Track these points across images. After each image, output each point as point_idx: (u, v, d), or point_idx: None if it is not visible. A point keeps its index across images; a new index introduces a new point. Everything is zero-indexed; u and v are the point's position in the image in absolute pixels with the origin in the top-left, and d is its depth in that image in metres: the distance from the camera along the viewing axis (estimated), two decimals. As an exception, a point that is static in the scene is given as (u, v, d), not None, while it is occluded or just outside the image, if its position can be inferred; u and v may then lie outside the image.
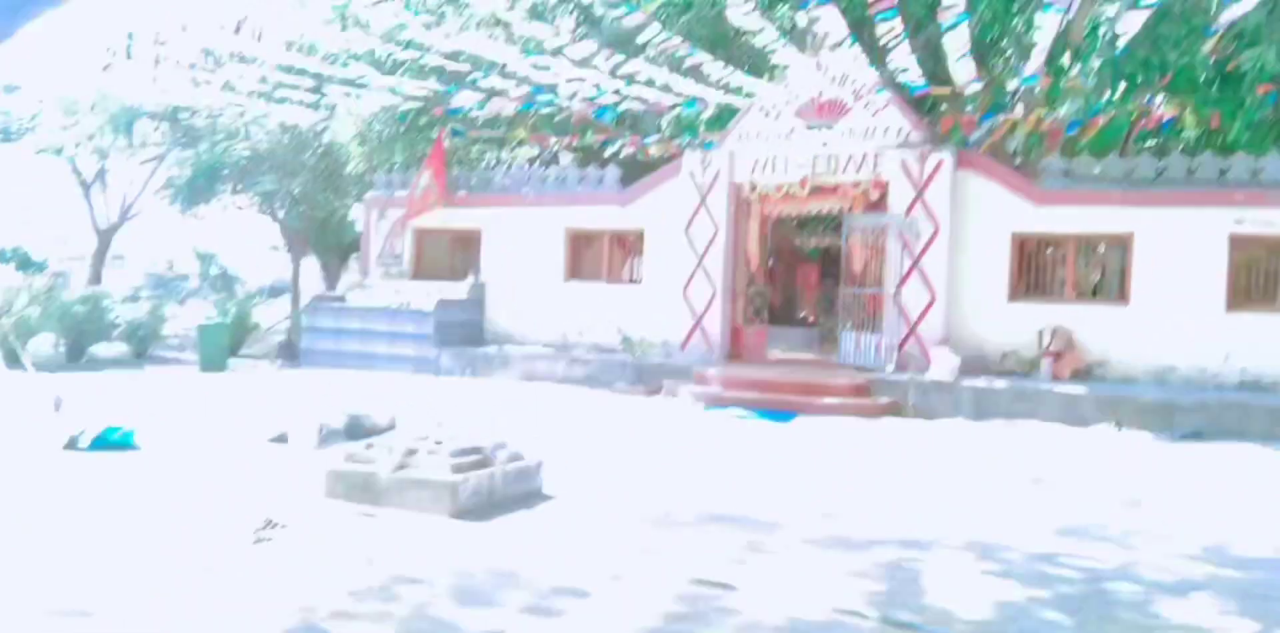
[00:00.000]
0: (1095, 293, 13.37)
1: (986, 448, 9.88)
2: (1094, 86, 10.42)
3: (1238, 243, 12.05)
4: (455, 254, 17.37)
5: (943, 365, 12.34)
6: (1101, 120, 11.77)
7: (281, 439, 8.94)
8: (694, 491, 7.51)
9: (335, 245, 25.13)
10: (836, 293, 21.37)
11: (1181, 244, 12.18)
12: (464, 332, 15.90)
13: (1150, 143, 16.24)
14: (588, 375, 14.22)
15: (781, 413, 11.66)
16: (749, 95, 14.37)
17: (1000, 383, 12.17)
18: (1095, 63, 10.05)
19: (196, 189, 21.47)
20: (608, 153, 18.34)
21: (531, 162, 22.90)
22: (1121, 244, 12.71)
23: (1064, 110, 12.08)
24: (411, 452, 6.64)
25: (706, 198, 14.41)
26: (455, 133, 18.00)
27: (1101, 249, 13.19)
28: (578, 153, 20.80)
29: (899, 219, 13.15)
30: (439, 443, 6.73)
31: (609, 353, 14.84)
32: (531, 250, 16.07)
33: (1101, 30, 9.91)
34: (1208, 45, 9.52)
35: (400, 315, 15.69)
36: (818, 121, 13.92)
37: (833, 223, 21.01)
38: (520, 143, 19.81)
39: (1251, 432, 10.67)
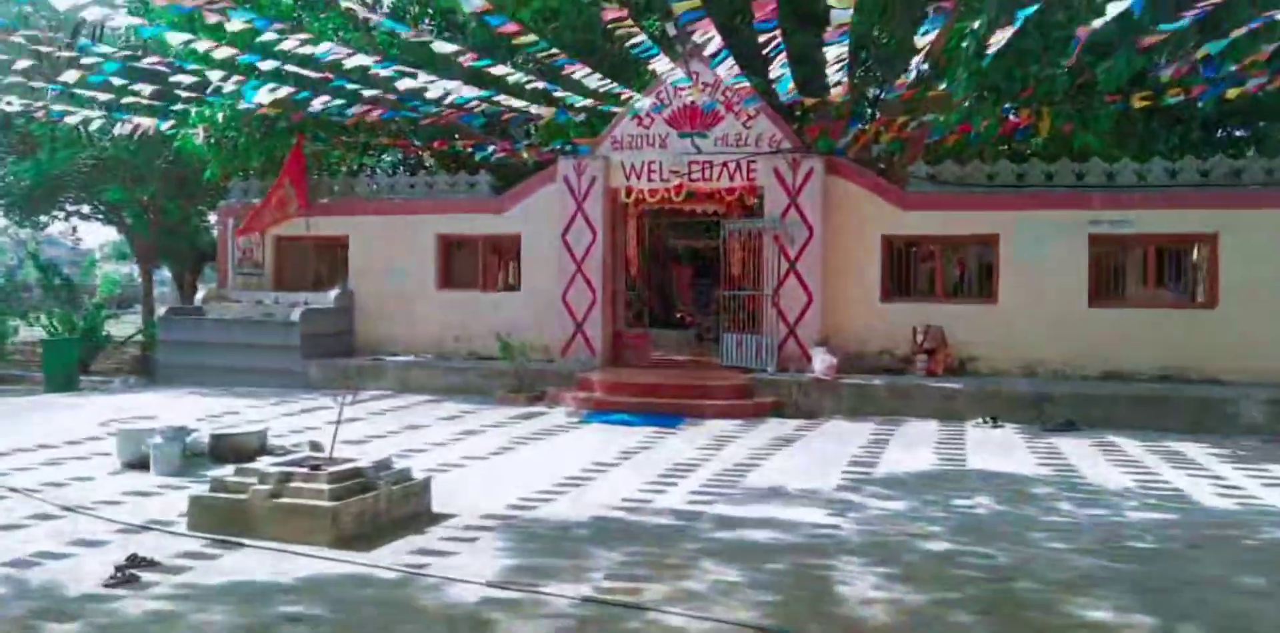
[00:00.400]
0: (958, 291, 13.75)
1: (857, 444, 10.01)
2: (960, 97, 10.70)
3: (1096, 242, 12.64)
4: (320, 263, 16.69)
5: (821, 364, 12.49)
6: (967, 129, 12.12)
7: (139, 465, 8.31)
8: (586, 503, 7.31)
9: (188, 255, 23.90)
10: (712, 294, 21.88)
11: (1044, 244, 12.68)
12: (333, 342, 15.27)
13: (1004, 148, 16.97)
14: (467, 384, 13.84)
15: (667, 417, 11.58)
16: (621, 102, 14.29)
17: (877, 380, 12.42)
18: (962, 74, 10.32)
19: (36, 199, 20.05)
20: (478, 158, 18.05)
21: (396, 168, 22.41)
22: (987, 245, 13.14)
23: (928, 119, 12.38)
24: (286, 477, 6.21)
25: (583, 203, 14.24)
26: (316, 139, 17.32)
27: (968, 250, 13.56)
28: (443, 159, 20.36)
29: (775, 223, 13.27)
30: (315, 466, 6.33)
31: (488, 361, 14.49)
32: (403, 257, 15.57)
33: (966, 43, 10.16)
34: (1068, 59, 9.91)
35: (264, 327, 14.95)
36: (690, 130, 13.94)
37: (703, 225, 21.25)
38: (383, 150, 19.26)
39: (1119, 421, 11.15)
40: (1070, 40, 9.70)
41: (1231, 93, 12.47)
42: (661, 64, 12.15)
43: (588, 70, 12.42)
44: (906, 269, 13.62)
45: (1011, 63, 10.39)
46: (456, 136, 18.24)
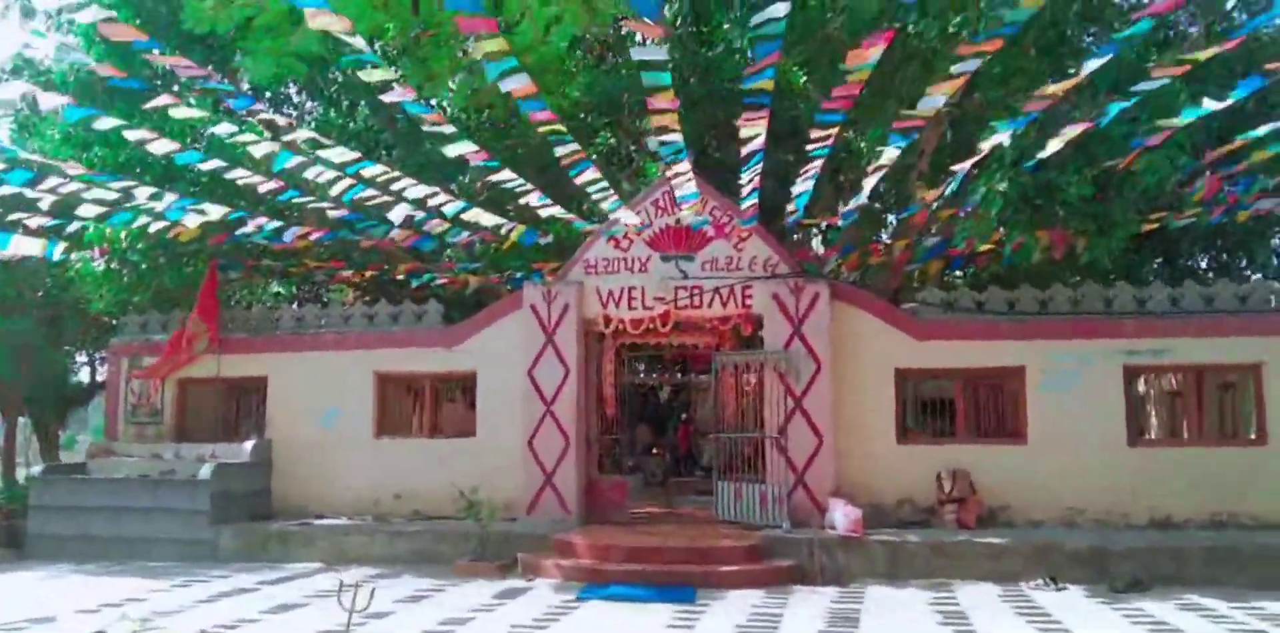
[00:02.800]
0: (981, 431, 12.36)
1: (929, 622, 8.25)
2: (997, 211, 9.64)
3: (1132, 374, 11.54)
4: (232, 408, 14.37)
5: (845, 519, 10.78)
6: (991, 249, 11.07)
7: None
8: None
9: (53, 401, 20.83)
10: (667, 434, 20.14)
11: (1075, 377, 11.52)
12: (249, 504, 12.80)
13: (986, 272, 16.16)
14: (419, 552, 11.55)
15: (676, 589, 9.58)
16: (595, 221, 12.92)
17: (913, 537, 10.73)
18: (998, 185, 9.28)
19: None
20: (413, 286, 16.30)
21: (292, 297, 20.34)
22: (1012, 378, 11.90)
23: (956, 239, 11.29)
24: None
25: (554, 335, 12.53)
26: (229, 266, 15.33)
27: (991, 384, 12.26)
28: (366, 287, 18.51)
29: (779, 355, 11.79)
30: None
31: (440, 522, 12.27)
32: (333, 401, 13.42)
33: (1000, 152, 9.17)
34: (1120, 164, 9.01)
35: (164, 487, 12.41)
36: (675, 252, 12.58)
37: (652, 358, 19.71)
38: (305, 277, 17.31)
39: (1190, 578, 9.74)
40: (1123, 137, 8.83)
41: (1242, 216, 11.97)
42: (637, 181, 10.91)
43: (539, 195, 11.11)
44: (923, 407, 12.23)
45: (1048, 173, 9.40)
46: (386, 264, 16.51)
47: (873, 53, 6.76)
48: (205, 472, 12.30)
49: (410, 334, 13.52)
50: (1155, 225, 11.67)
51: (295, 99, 18.32)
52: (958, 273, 15.92)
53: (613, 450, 13.43)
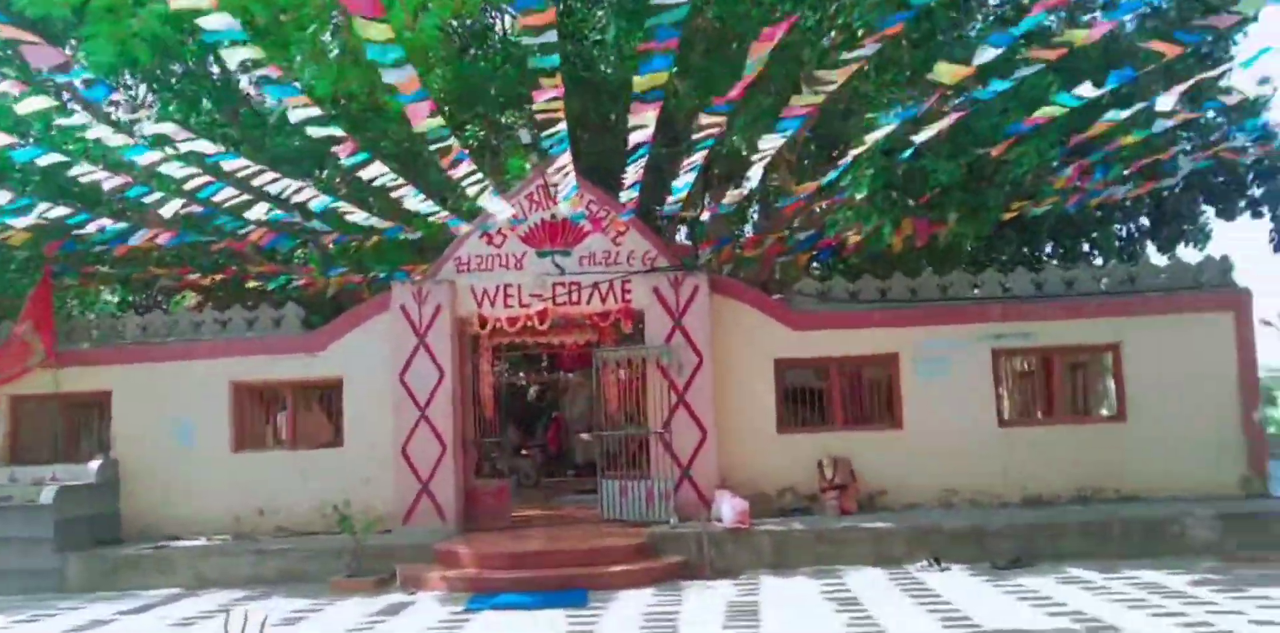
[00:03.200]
0: (858, 418, 12.50)
1: (825, 610, 8.23)
2: (864, 196, 9.72)
3: (1000, 357, 11.89)
4: (72, 426, 13.25)
5: (732, 511, 10.70)
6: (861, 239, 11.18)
7: None
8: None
9: None
10: (535, 433, 19.72)
11: (946, 362, 11.78)
12: (97, 528, 11.80)
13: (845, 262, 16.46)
14: (288, 570, 10.85)
15: (567, 593, 9.28)
16: (464, 219, 12.48)
17: (798, 525, 10.75)
18: (866, 172, 9.36)
19: None
20: (269, 290, 15.48)
21: (156, 307, 19.10)
22: (886, 365, 12.08)
23: (828, 228, 11.36)
24: None
25: (426, 336, 12.02)
26: (62, 272, 14.17)
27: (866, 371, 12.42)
28: (213, 293, 17.49)
29: (660, 349, 11.63)
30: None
31: (308, 538, 11.60)
32: (185, 414, 12.52)
33: (868, 144, 9.23)
34: (989, 149, 9.20)
35: (1, 514, 11.30)
36: (551, 247, 12.27)
37: (523, 359, 19.32)
38: (163, 286, 16.20)
39: (1065, 553, 10.07)
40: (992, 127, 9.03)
41: (1094, 202, 12.50)
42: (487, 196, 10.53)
43: (412, 189, 10.64)
44: (801, 395, 12.28)
45: (910, 164, 9.55)
46: (238, 267, 15.60)
47: (772, 42, 6.62)
48: (46, 496, 11.24)
49: (268, 341, 12.74)
50: (1017, 213, 12.07)
51: (132, 92, 17.10)
52: (824, 264, 16.15)
53: (489, 454, 13.00)
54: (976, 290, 12.05)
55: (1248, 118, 12.87)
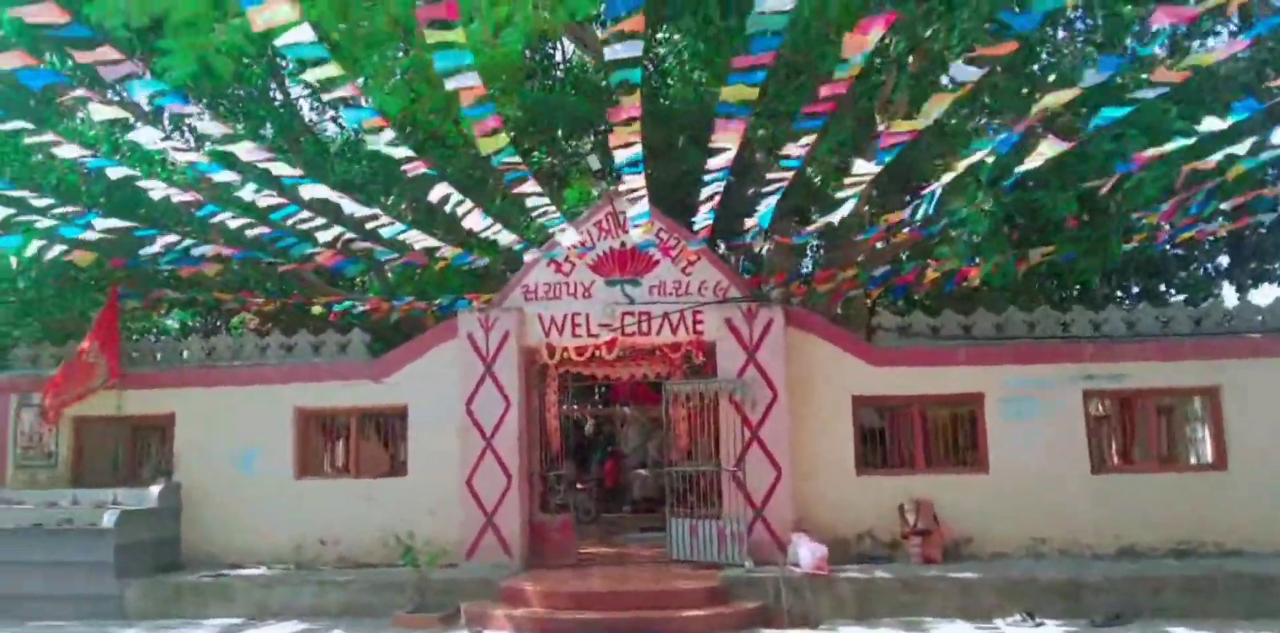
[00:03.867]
0: (940, 460, 11.96)
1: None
2: (982, 232, 9.30)
3: (1092, 399, 11.34)
4: (135, 449, 13.15)
5: (811, 556, 10.24)
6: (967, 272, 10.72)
7: None
8: None
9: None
10: (591, 467, 19.34)
11: (1034, 403, 11.25)
12: (157, 554, 11.62)
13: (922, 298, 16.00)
14: (351, 603, 10.55)
15: (640, 639, 8.90)
16: (531, 245, 12.25)
17: (881, 573, 10.24)
18: (983, 204, 8.94)
19: None
20: (332, 315, 15.35)
21: (217, 332, 19.13)
22: (970, 405, 11.58)
23: (946, 261, 10.92)
24: None
25: (493, 365, 11.76)
26: (128, 294, 14.15)
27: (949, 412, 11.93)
28: (276, 318, 17.46)
29: (733, 383, 11.26)
30: None
31: (370, 570, 11.32)
32: (250, 439, 12.35)
33: (979, 169, 8.85)
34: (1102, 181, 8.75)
35: (60, 538, 11.11)
36: (620, 276, 11.99)
37: (578, 392, 19.01)
38: (226, 310, 16.17)
39: (1166, 609, 9.46)
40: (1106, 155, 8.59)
41: (1184, 237, 11.96)
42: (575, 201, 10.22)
43: (480, 213, 10.41)
44: (881, 435, 11.81)
45: (1031, 192, 9.11)
46: (302, 291, 15.53)
47: (871, 37, 6.24)
48: (108, 520, 11.08)
49: (334, 366, 12.56)
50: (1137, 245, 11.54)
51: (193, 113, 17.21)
52: (895, 300, 15.71)
53: (553, 487, 12.69)
54: (1066, 329, 11.52)
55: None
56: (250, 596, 10.73)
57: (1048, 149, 7.81)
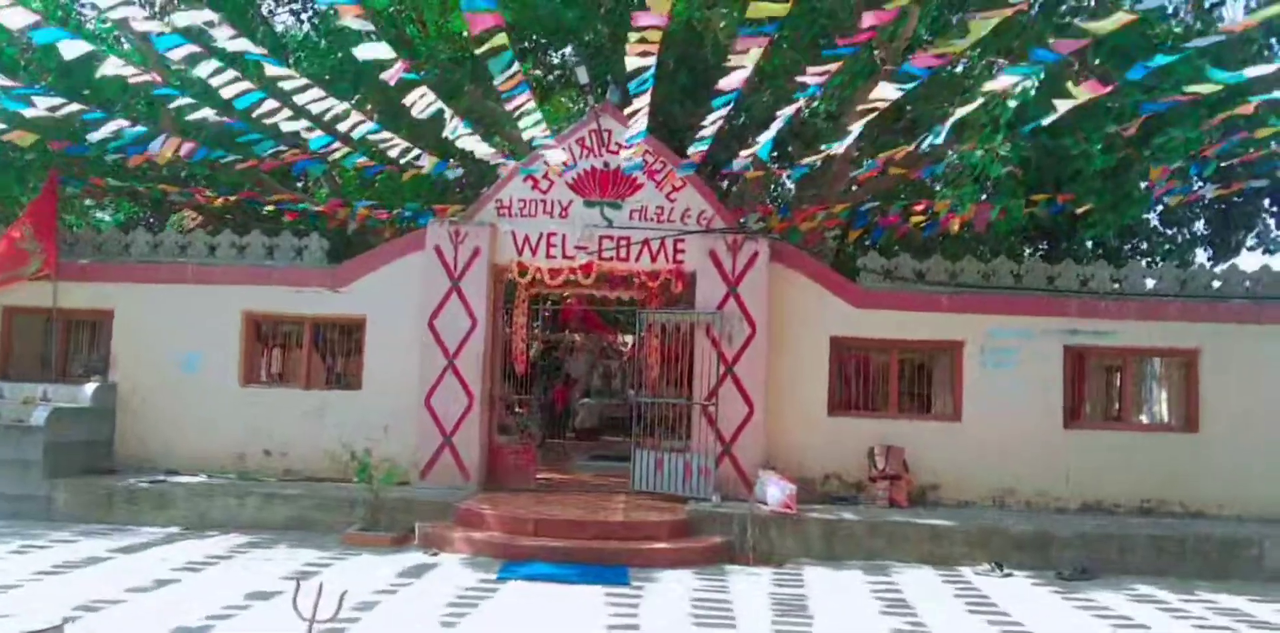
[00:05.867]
0: (913, 407, 11.77)
1: (878, 609, 7.57)
2: (997, 176, 8.89)
3: (1072, 354, 11.19)
4: (68, 344, 12.35)
5: (780, 494, 10.00)
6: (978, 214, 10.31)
7: None
8: None
9: None
10: (556, 395, 18.93)
11: (1015, 355, 11.07)
12: (89, 455, 10.99)
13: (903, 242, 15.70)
14: (297, 518, 10.08)
15: (607, 569, 8.58)
16: (514, 157, 11.61)
17: (849, 515, 10.06)
18: (998, 147, 8.51)
19: None
20: (286, 218, 14.56)
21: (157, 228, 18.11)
22: (950, 353, 11.36)
23: (948, 200, 10.51)
24: None
25: (461, 281, 11.19)
26: (66, 181, 13.18)
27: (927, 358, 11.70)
28: (226, 217, 16.59)
29: (712, 315, 10.86)
30: None
31: (318, 484, 10.83)
32: (193, 341, 11.67)
33: (997, 110, 8.42)
34: (1126, 127, 8.38)
35: (-15, 433, 10.44)
36: (600, 197, 11.42)
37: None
38: (171, 203, 15.20)
39: (1133, 567, 9.43)
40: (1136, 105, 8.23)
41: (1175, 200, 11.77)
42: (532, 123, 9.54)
43: (460, 122, 9.73)
44: (857, 378, 11.55)
45: (1043, 136, 8.71)
46: (257, 190, 14.64)
47: None
48: (38, 417, 10.40)
49: (289, 271, 11.88)
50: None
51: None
52: (878, 241, 15.38)
53: (514, 411, 12.26)
54: (1053, 282, 11.30)
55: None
56: (189, 504, 10.19)
57: (1079, 95, 7.38)
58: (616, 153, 11.23)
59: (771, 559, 9.39)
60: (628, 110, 9.58)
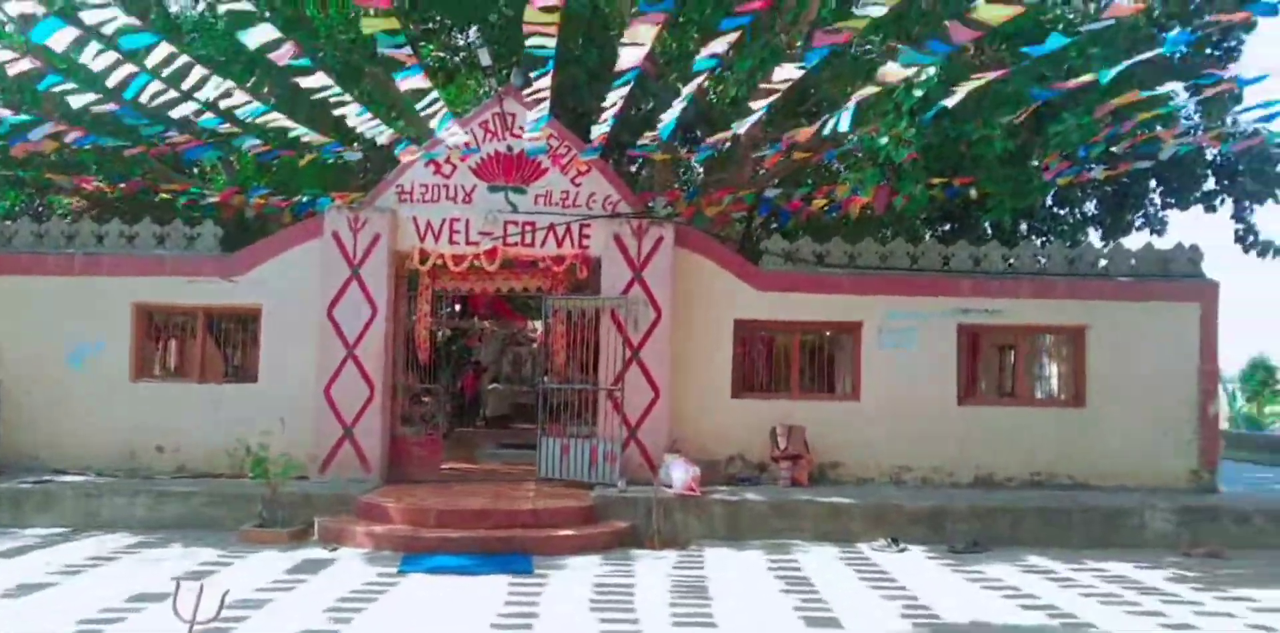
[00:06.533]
0: (815, 387, 11.96)
1: (777, 588, 7.71)
2: (901, 159, 9.03)
3: (965, 333, 11.48)
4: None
5: (684, 477, 10.08)
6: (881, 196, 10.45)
7: None
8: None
9: None
10: (465, 384, 18.75)
11: (912, 335, 11.32)
12: (-31, 457, 10.53)
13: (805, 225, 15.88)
14: (190, 516, 9.80)
15: (509, 557, 8.55)
16: (417, 141, 11.39)
17: (752, 495, 10.20)
18: (903, 131, 8.64)
19: None
20: (181, 206, 14.11)
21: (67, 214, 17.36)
22: (850, 334, 11.55)
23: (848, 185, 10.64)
24: None
25: (360, 269, 10.98)
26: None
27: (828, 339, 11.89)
28: (115, 206, 15.98)
29: (617, 300, 10.85)
30: None
31: (213, 480, 10.56)
32: (81, 334, 11.25)
33: (900, 96, 8.54)
34: (1016, 116, 8.60)
35: None
36: (504, 183, 11.30)
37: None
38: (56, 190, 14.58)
39: (1023, 538, 9.75)
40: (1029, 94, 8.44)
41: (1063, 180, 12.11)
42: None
43: (357, 107, 9.52)
44: (760, 360, 11.68)
45: (945, 122, 8.88)
46: (147, 178, 14.12)
47: None
48: (-91, 418, 9.92)
49: (180, 260, 11.51)
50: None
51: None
52: (784, 225, 15.54)
53: (419, 401, 12.11)
54: (947, 263, 11.57)
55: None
56: (77, 504, 9.83)
57: (978, 79, 7.53)
58: (521, 137, 11.11)
59: (676, 542, 9.47)
60: (528, 93, 9.46)
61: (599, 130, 9.96)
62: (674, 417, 10.99)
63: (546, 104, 9.22)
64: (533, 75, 9.16)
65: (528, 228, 11.12)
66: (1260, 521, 10.02)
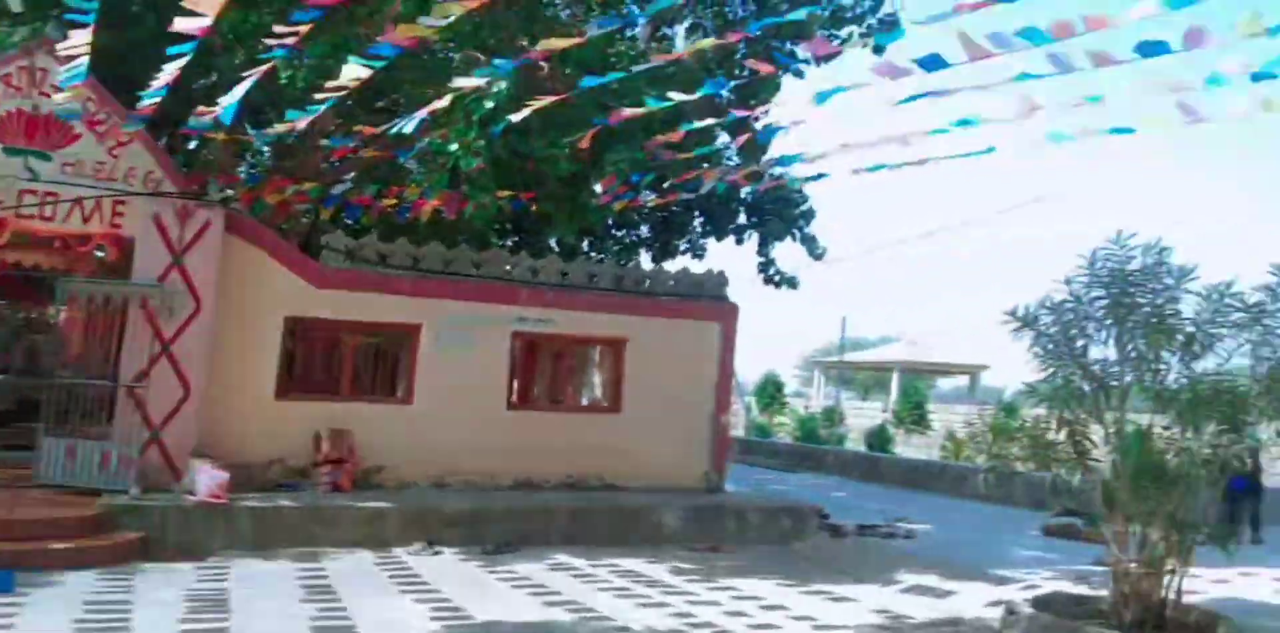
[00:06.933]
0: (369, 389, 11.74)
1: (297, 598, 7.53)
2: (471, 167, 9.05)
3: (522, 341, 11.89)
4: None
5: (209, 482, 9.40)
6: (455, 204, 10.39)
7: None
8: None
9: None
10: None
11: (468, 340, 11.50)
12: None
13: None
14: None
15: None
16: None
17: (286, 501, 9.77)
18: (472, 142, 8.70)
19: None
20: None
21: None
22: (408, 336, 11.48)
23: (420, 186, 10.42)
24: None
25: None
26: None
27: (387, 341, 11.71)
28: None
29: (150, 288, 9.88)
30: None
31: None
32: None
33: (474, 107, 8.65)
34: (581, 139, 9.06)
35: None
36: (25, 146, 9.87)
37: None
38: None
39: (554, 538, 10.32)
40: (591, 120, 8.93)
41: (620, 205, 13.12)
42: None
43: None
44: (312, 360, 11.22)
45: (514, 137, 9.13)
46: None
47: None
48: None
49: None
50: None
51: None
52: (353, 222, 15.15)
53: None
54: (509, 272, 11.96)
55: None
56: None
57: (538, 103, 7.84)
58: (51, 96, 9.74)
59: (196, 554, 8.80)
60: (63, 46, 8.30)
61: (148, 101, 9.01)
62: (209, 418, 10.24)
63: (85, 61, 8.16)
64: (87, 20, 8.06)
65: (49, 198, 9.78)
66: (755, 517, 11.44)
